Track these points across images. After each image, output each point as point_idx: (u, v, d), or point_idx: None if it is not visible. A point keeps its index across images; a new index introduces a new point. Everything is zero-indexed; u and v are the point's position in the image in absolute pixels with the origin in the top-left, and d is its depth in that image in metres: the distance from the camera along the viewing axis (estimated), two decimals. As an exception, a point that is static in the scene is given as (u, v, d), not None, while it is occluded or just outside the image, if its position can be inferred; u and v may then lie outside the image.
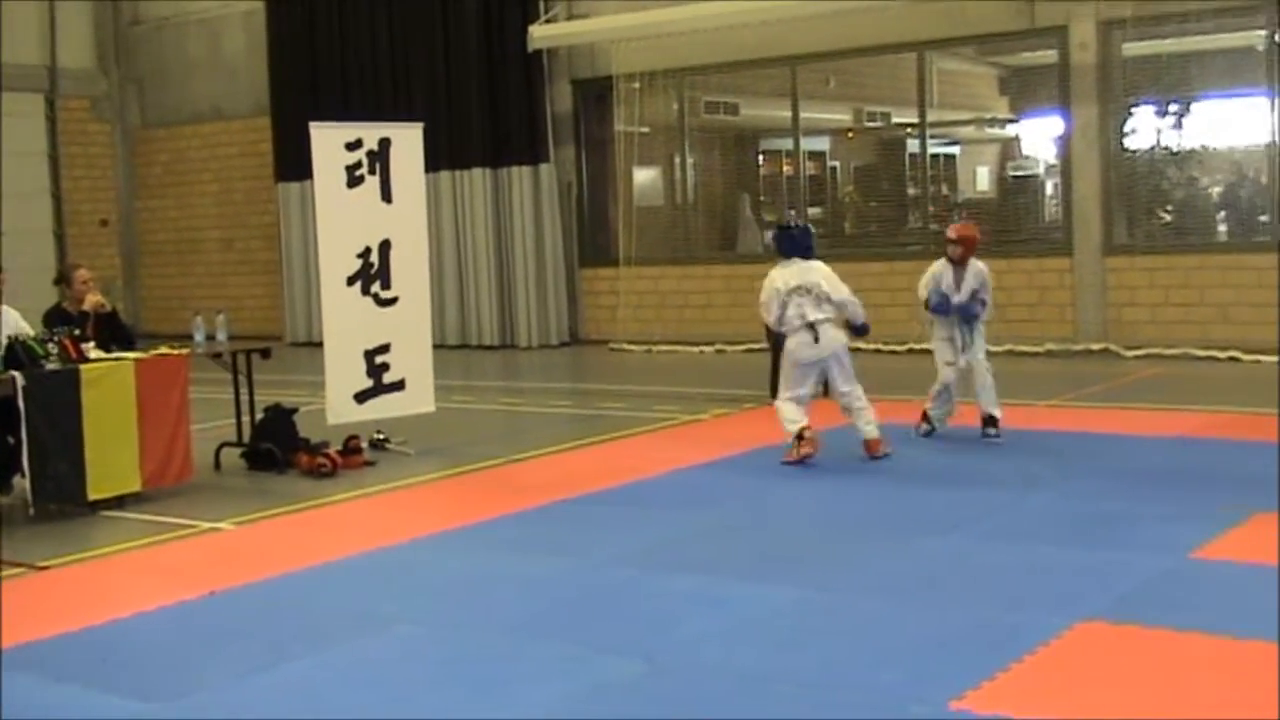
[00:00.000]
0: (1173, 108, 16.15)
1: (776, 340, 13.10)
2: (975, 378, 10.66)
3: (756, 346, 14.02)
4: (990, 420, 10.60)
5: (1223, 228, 16.53)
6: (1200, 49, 15.87)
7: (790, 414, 9.98)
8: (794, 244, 10.30)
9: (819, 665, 5.67)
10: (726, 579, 7.04)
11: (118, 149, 24.54)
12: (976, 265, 10.77)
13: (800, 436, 9.89)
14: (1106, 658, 5.65)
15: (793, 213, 17.91)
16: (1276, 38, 15.04)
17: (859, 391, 10.08)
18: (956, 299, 10.68)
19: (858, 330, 10.39)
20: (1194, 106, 16.20)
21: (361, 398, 11.03)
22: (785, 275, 10.11)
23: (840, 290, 10.12)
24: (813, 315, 9.96)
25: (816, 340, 9.96)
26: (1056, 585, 6.70)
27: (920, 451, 10.31)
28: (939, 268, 10.86)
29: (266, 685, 5.73)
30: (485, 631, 6.35)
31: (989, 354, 10.91)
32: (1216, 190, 17.15)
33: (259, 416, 10.94)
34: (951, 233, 11.05)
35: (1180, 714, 5.05)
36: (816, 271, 10.15)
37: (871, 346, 16.54)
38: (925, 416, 10.80)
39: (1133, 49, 15.82)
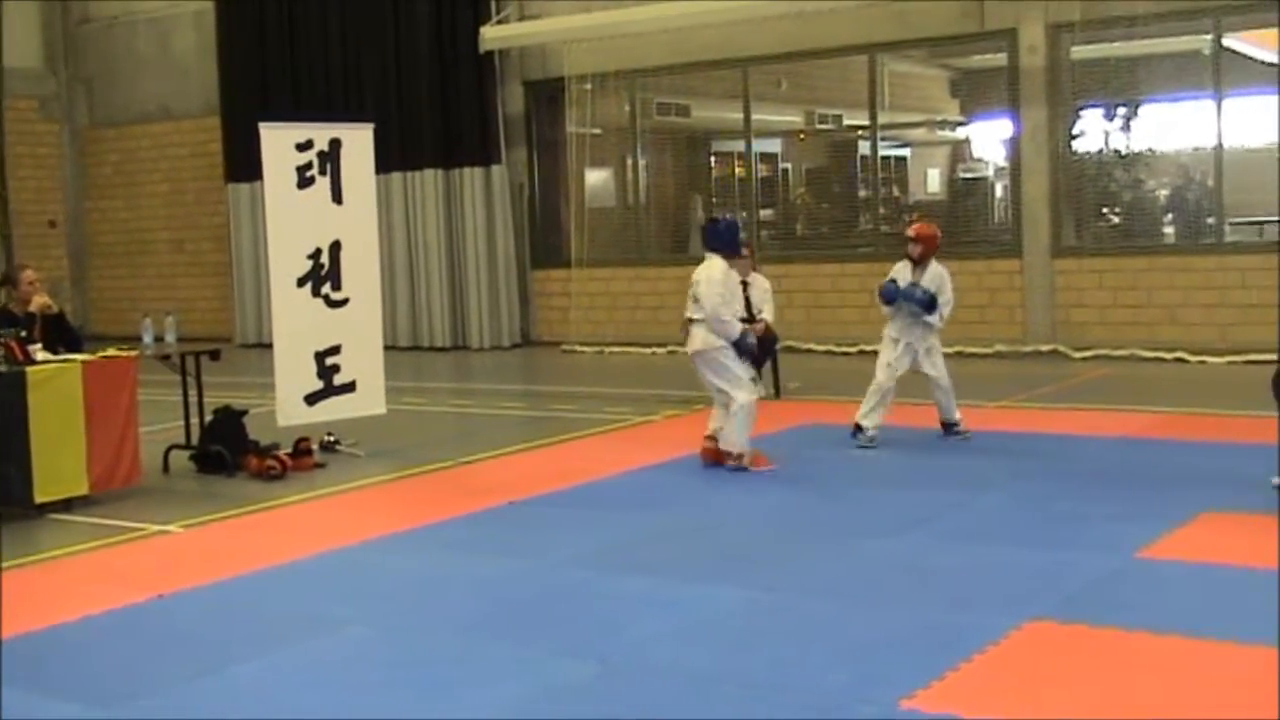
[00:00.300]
0: (1120, 111, 16.32)
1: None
2: (934, 390, 10.70)
3: (708, 348, 13.98)
4: (949, 426, 10.67)
5: (1170, 230, 16.69)
6: (1147, 53, 16.02)
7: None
8: (713, 237, 10.15)
9: (769, 666, 5.69)
10: (678, 580, 7.05)
11: (66, 149, 24.34)
12: (936, 267, 10.69)
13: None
14: (1055, 657, 5.69)
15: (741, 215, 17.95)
16: (1222, 41, 15.21)
17: (740, 396, 9.75)
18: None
19: (736, 347, 9.86)
20: (1141, 109, 16.38)
21: (312, 399, 10.98)
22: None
23: (710, 299, 9.73)
24: (689, 313, 9.94)
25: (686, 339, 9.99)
26: (1005, 585, 6.75)
27: (871, 453, 10.35)
28: (899, 268, 10.83)
29: (215, 688, 5.70)
30: (436, 633, 6.34)
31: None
32: (1163, 193, 17.33)
33: (208, 419, 10.87)
34: (911, 231, 11.03)
35: (1128, 713, 5.09)
36: (703, 270, 9.90)
37: (823, 348, 16.69)
38: (859, 428, 10.55)
39: (1081, 52, 15.96)
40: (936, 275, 10.66)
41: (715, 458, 9.87)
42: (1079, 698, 5.23)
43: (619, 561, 7.52)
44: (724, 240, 10.02)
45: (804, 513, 8.61)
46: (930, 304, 10.52)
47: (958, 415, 10.71)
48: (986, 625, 6.00)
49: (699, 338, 9.85)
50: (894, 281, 10.68)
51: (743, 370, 9.95)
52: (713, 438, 9.96)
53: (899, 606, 6.45)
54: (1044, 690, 5.31)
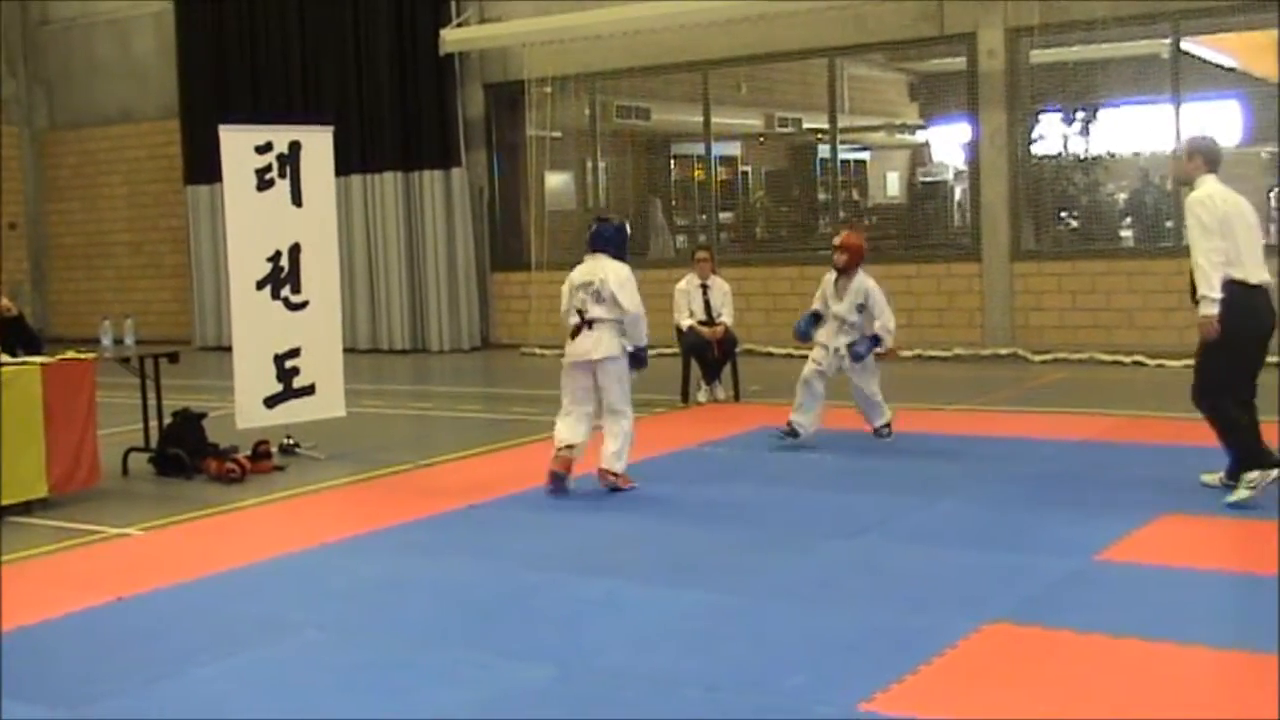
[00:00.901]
0: (1079, 114, 16.44)
1: (687, 343, 13.21)
2: (860, 400, 10.72)
3: (667, 351, 14.04)
4: (879, 430, 10.73)
5: (1128, 233, 16.81)
6: (1106, 56, 16.14)
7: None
8: (601, 239, 9.48)
9: (728, 668, 5.70)
10: (635, 583, 7.06)
11: (25, 151, 24.16)
12: (862, 279, 10.56)
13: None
14: (1012, 659, 5.73)
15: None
16: (1180, 45, 15.33)
17: (630, 417, 9.30)
18: (836, 309, 10.59)
19: (636, 358, 9.29)
20: (1100, 113, 16.48)
21: (271, 402, 10.93)
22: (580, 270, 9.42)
23: (632, 296, 9.22)
24: (591, 313, 9.20)
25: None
26: (963, 588, 6.79)
27: (828, 456, 10.39)
28: (826, 280, 10.78)
29: (173, 692, 5.68)
30: (394, 637, 6.33)
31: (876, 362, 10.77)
32: (1122, 196, 17.46)
33: (167, 421, 10.82)
34: (837, 240, 10.94)
35: (1086, 714, 5.13)
36: (608, 269, 9.30)
37: (783, 351, 16.73)
38: (791, 426, 10.51)
39: (1040, 56, 16.07)
40: (861, 288, 10.53)
41: (568, 469, 9.19)
42: (1037, 699, 5.26)
43: (576, 564, 7.53)
44: (613, 244, 9.42)
45: (763, 515, 8.62)
46: (874, 342, 10.52)
47: (879, 422, 10.72)
48: (944, 627, 6.03)
49: (607, 343, 9.15)
50: (809, 318, 10.79)
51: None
52: (571, 448, 9.20)
53: (857, 609, 6.48)
54: (1002, 692, 5.34)
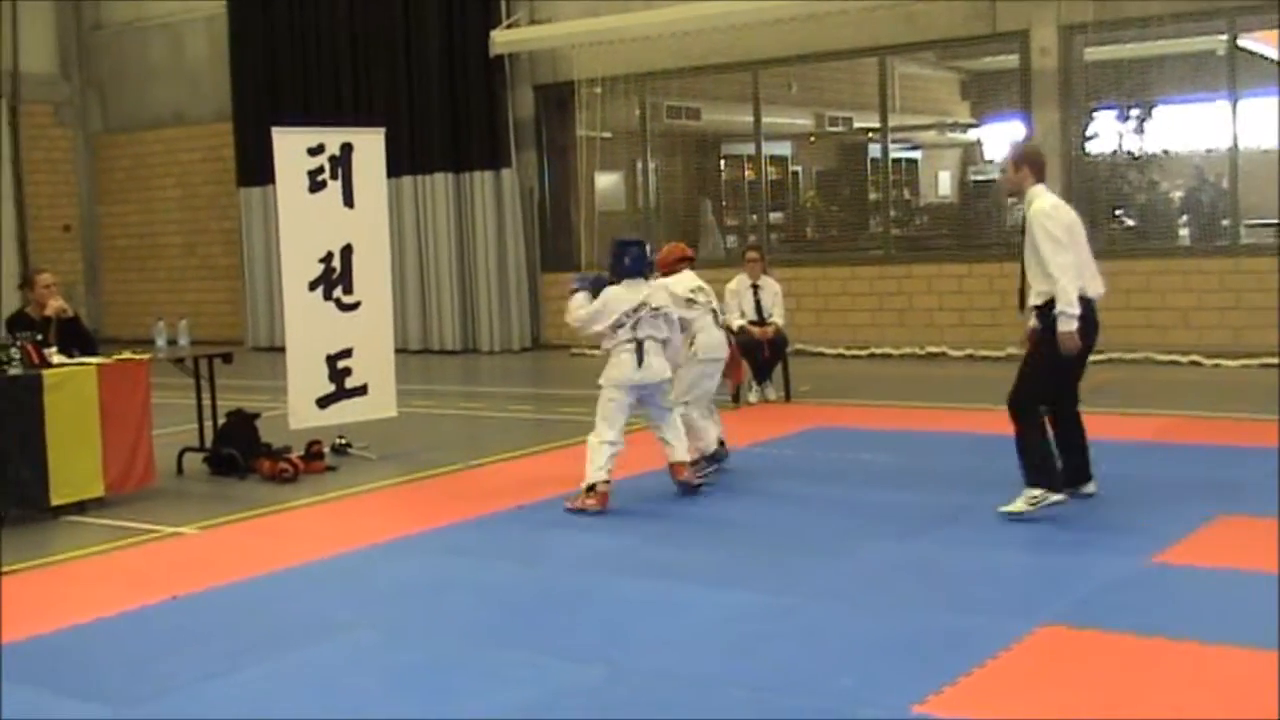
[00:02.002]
0: (1134, 112, 16.26)
1: (738, 343, 13.16)
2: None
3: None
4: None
5: (1184, 232, 16.63)
6: (1161, 53, 15.98)
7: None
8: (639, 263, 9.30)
9: (777, 670, 5.67)
10: (684, 584, 7.04)
11: (80, 154, 24.39)
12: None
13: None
14: (1068, 662, 5.67)
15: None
16: (1237, 42, 15.17)
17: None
18: None
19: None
20: (1155, 111, 16.31)
21: (324, 403, 10.99)
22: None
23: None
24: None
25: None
26: (1017, 589, 6.74)
27: (880, 456, 10.32)
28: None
29: (225, 691, 5.70)
30: (444, 637, 6.33)
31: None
32: (1178, 195, 17.26)
33: (221, 422, 10.89)
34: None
35: (1143, 719, 5.07)
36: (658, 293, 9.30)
37: (834, 351, 16.67)
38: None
39: (1094, 54, 15.92)
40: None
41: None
42: (1093, 703, 5.20)
43: (626, 565, 7.52)
44: (648, 266, 9.45)
45: (813, 516, 8.58)
46: None
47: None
48: (998, 629, 5.98)
49: (661, 363, 9.17)
50: None
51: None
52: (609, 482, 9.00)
53: (908, 610, 6.43)
54: (1057, 695, 5.28)
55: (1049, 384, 8.17)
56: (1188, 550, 7.31)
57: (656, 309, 9.15)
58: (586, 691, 5.52)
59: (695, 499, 9.10)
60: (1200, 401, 12.16)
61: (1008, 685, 5.42)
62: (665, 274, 9.78)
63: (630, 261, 9.26)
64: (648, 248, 9.60)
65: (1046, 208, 8.00)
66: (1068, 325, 7.87)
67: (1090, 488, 8.35)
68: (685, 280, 9.77)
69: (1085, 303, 7.97)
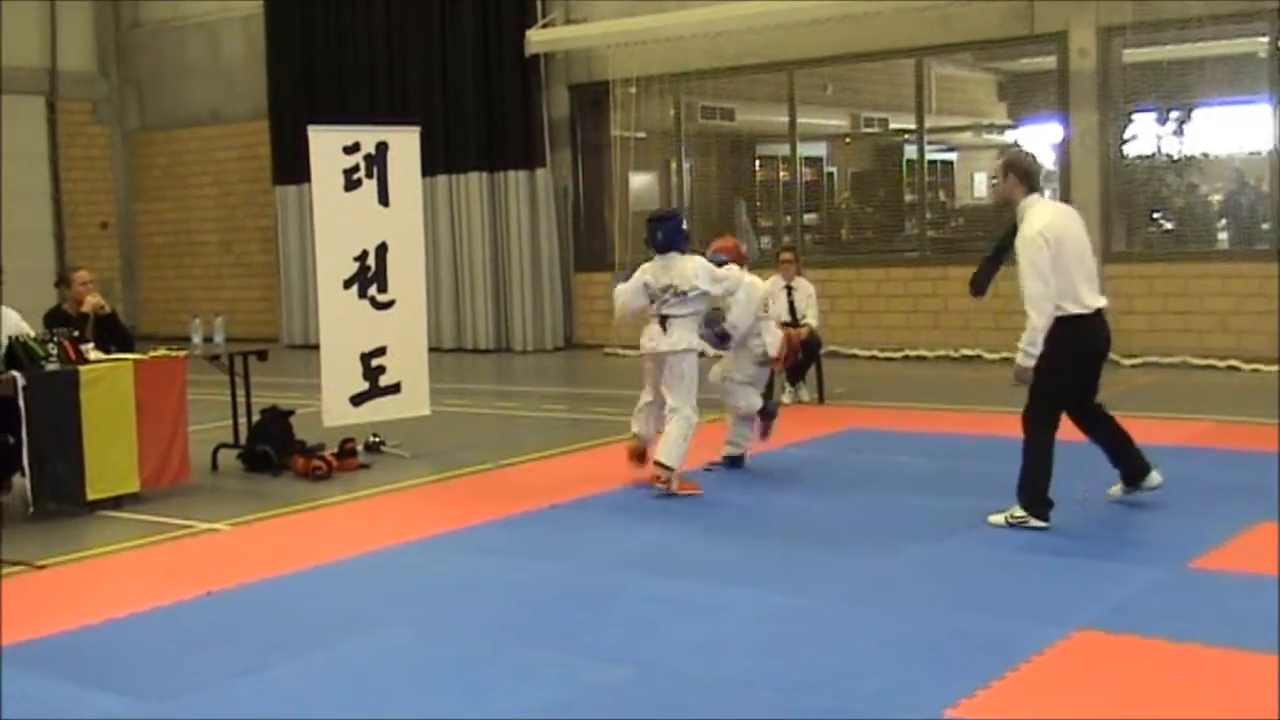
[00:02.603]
0: (1173, 114, 16.13)
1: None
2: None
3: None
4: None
5: (1223, 235, 16.50)
6: (1201, 55, 15.84)
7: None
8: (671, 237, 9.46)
9: (805, 671, 5.64)
10: (714, 584, 7.02)
11: (117, 151, 24.53)
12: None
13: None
14: (1103, 667, 5.62)
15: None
16: (1278, 44, 15.03)
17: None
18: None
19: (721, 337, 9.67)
20: (1195, 113, 16.17)
21: (357, 400, 11.01)
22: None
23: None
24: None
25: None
26: (1051, 593, 6.68)
27: (914, 459, 10.28)
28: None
29: (256, 687, 5.72)
30: (473, 636, 6.33)
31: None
32: (1217, 198, 17.13)
33: (255, 418, 10.93)
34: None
35: (1176, 723, 5.03)
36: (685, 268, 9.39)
37: (867, 353, 16.62)
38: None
39: (1133, 55, 15.82)
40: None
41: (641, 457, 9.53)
42: (1128, 709, 5.16)
43: (655, 565, 7.50)
44: (682, 239, 9.55)
45: (845, 518, 8.54)
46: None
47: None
48: (1032, 633, 5.94)
49: (677, 336, 9.31)
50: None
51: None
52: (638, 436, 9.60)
53: (940, 613, 6.40)
54: (1092, 701, 5.24)
55: (1056, 397, 8.00)
56: (1225, 556, 7.24)
57: (682, 292, 9.25)
58: (613, 691, 5.51)
59: (726, 499, 9.09)
60: (1238, 407, 12.07)
61: (1040, 689, 5.38)
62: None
63: (664, 236, 9.39)
64: (683, 222, 9.70)
65: (1032, 233, 7.73)
66: (1024, 361, 7.77)
67: (1155, 479, 8.21)
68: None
69: (1077, 320, 7.79)
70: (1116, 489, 8.35)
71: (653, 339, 9.38)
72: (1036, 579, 6.95)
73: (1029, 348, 7.74)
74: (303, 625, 6.58)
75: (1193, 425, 11.35)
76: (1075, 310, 7.79)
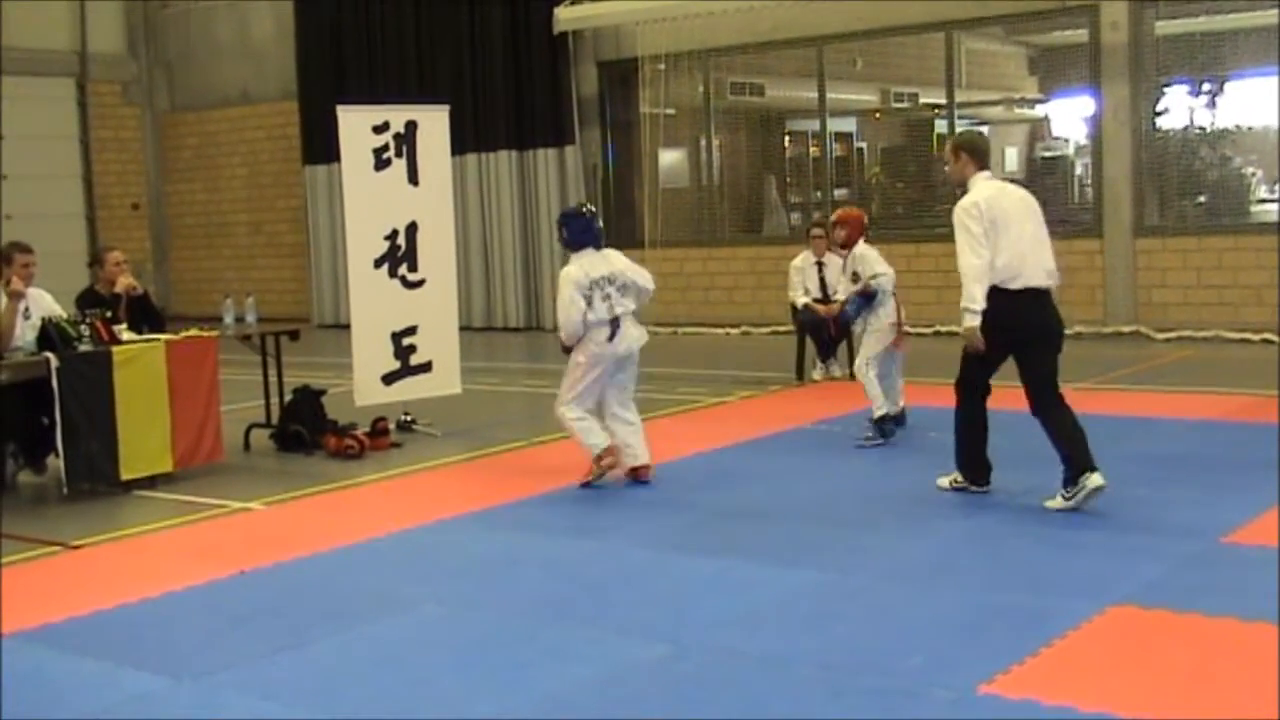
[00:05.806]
0: (1206, 87, 16.00)
1: (803, 321, 13.11)
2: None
3: (782, 329, 13.98)
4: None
5: (1257, 209, 16.37)
6: (1234, 27, 15.71)
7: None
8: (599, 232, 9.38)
9: (843, 648, 5.65)
10: (750, 562, 7.03)
11: (147, 133, 24.62)
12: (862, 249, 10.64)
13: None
14: (1137, 643, 5.61)
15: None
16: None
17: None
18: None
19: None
20: (1227, 85, 16.04)
21: (389, 379, 11.04)
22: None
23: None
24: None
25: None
26: (1085, 569, 6.66)
27: (946, 435, 10.22)
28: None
29: (291, 664, 5.75)
30: (508, 613, 6.35)
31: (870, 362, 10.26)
32: (1250, 170, 17.00)
33: (288, 398, 10.97)
34: (835, 215, 11.20)
35: (1213, 700, 5.00)
36: (616, 259, 9.27)
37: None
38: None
39: (1165, 27, 15.71)
40: (856, 257, 10.64)
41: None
42: (1164, 684, 5.15)
43: (690, 542, 7.51)
44: (602, 235, 9.47)
45: (878, 494, 8.54)
46: (866, 300, 10.46)
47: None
48: (1066, 609, 5.92)
49: (638, 332, 9.14)
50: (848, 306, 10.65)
51: None
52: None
53: (975, 589, 6.39)
54: (1127, 676, 5.23)
55: (974, 367, 8.06)
56: (1258, 531, 7.21)
57: (624, 284, 9.08)
58: (651, 668, 5.52)
59: (760, 475, 9.08)
60: (1273, 380, 11.98)
61: (1076, 665, 5.36)
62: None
63: (569, 234, 9.31)
64: (593, 220, 9.44)
65: (967, 204, 7.77)
66: (970, 321, 7.79)
67: (1094, 480, 7.61)
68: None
69: (1035, 293, 7.81)
70: (1055, 501, 7.84)
71: (623, 340, 8.98)
72: (1069, 555, 6.93)
73: (970, 304, 7.75)
74: (338, 603, 6.61)
75: (1227, 400, 11.29)
76: (1012, 287, 7.77)
